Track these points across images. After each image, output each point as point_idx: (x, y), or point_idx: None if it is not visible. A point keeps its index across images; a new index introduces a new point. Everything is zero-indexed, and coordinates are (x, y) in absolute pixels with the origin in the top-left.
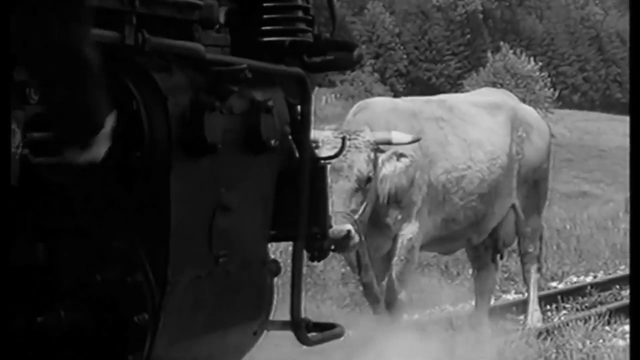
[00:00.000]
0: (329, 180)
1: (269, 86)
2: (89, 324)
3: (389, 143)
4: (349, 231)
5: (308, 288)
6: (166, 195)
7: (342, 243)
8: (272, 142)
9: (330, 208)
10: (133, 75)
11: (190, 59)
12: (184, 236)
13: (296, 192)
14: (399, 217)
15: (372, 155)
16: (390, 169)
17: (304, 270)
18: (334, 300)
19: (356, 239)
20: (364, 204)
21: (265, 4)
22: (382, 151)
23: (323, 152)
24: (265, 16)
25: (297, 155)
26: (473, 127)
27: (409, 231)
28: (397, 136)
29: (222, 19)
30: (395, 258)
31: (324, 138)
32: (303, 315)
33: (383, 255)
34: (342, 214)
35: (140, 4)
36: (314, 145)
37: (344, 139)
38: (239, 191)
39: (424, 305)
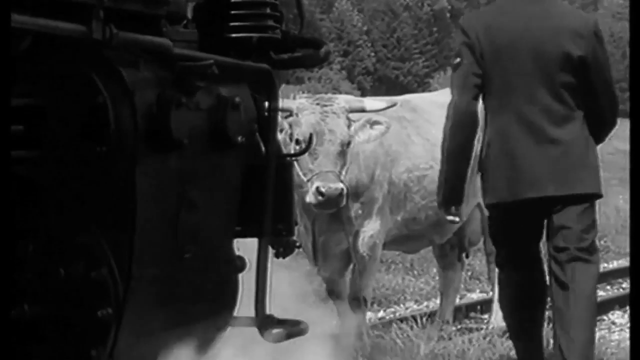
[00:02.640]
0: (313, 143)
1: (235, 82)
2: (53, 319)
3: (362, 110)
4: (342, 189)
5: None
6: (131, 190)
7: (337, 200)
8: (239, 138)
9: (316, 168)
10: (100, 70)
11: (157, 54)
12: (149, 231)
13: (262, 188)
14: (360, 212)
15: (347, 120)
16: (364, 137)
17: (269, 266)
18: (299, 296)
19: (345, 200)
20: (346, 166)
21: (233, 0)
22: (353, 120)
23: (302, 119)
24: (232, 12)
25: (264, 151)
26: (437, 128)
27: (371, 228)
28: (370, 103)
29: (189, 14)
30: (358, 255)
31: (299, 105)
32: (268, 311)
33: (343, 250)
34: (332, 173)
35: None
36: (289, 114)
37: (310, 135)
38: (205, 187)
39: (388, 303)
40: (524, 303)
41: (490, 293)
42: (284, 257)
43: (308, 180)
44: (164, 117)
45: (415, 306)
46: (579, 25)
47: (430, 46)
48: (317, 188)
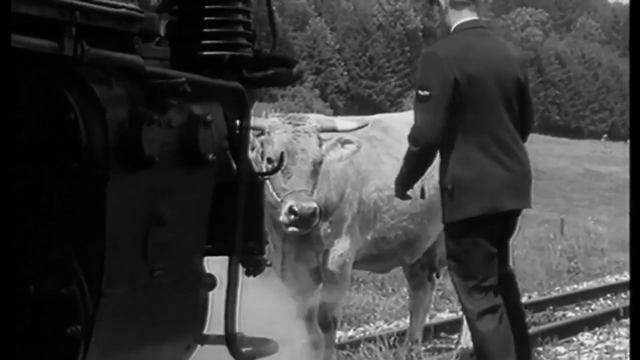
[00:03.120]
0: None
1: (207, 100)
2: (22, 335)
3: (334, 130)
4: (315, 209)
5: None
6: (102, 207)
7: (309, 219)
8: (210, 156)
9: (289, 187)
10: (72, 86)
11: (129, 71)
12: (119, 249)
13: (233, 206)
14: (329, 230)
15: (319, 139)
16: (335, 156)
17: (240, 284)
18: (269, 314)
19: (318, 219)
20: (318, 185)
21: (205, 18)
22: (324, 140)
23: (274, 138)
24: (205, 30)
25: (235, 169)
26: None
27: (340, 247)
28: (342, 123)
29: (162, 32)
30: (327, 274)
31: (270, 124)
32: (237, 329)
33: (312, 269)
34: (305, 192)
35: (81, 14)
36: (261, 132)
37: (282, 154)
38: (176, 205)
39: (358, 322)
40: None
41: (460, 313)
42: (254, 276)
43: (281, 200)
44: (136, 134)
45: (385, 325)
46: (519, 54)
47: (403, 65)
48: (290, 207)
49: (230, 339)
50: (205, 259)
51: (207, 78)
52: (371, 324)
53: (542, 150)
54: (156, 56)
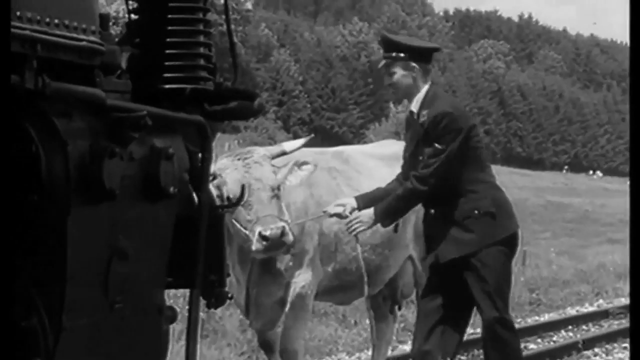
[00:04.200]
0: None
1: (169, 133)
2: None
3: (283, 153)
4: (283, 227)
5: (206, 334)
6: (63, 240)
7: (281, 241)
8: (171, 189)
9: (253, 216)
10: (33, 119)
11: (90, 104)
12: (80, 282)
13: (194, 239)
14: (290, 263)
15: (272, 167)
16: (295, 180)
17: (201, 316)
18: (232, 347)
19: (290, 236)
20: (283, 209)
21: (167, 51)
22: (278, 167)
23: (227, 177)
24: (167, 63)
25: (196, 202)
26: (368, 179)
27: (302, 279)
28: (289, 145)
29: (124, 65)
30: (289, 306)
31: (220, 166)
32: None
33: (275, 302)
34: (270, 216)
35: (42, 47)
36: (214, 177)
37: (243, 186)
38: (137, 237)
39: (320, 354)
40: None
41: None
42: (215, 308)
43: (249, 230)
44: (97, 167)
45: (347, 358)
46: None
47: (366, 97)
48: (260, 233)
49: None
50: (167, 291)
51: (169, 111)
52: (333, 356)
53: (505, 182)
54: (117, 89)
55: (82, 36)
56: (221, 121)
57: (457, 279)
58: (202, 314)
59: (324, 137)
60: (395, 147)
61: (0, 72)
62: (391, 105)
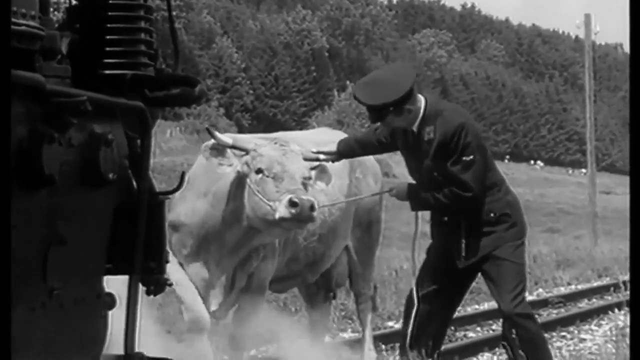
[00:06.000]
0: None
1: (109, 119)
2: None
3: (316, 160)
4: (314, 202)
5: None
6: (2, 226)
7: (308, 214)
8: (111, 175)
9: (283, 188)
10: None
11: (30, 89)
12: (18, 268)
13: (133, 225)
14: (262, 254)
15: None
16: (322, 185)
17: (140, 303)
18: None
19: (317, 215)
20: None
21: (107, 37)
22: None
23: (263, 152)
24: (107, 49)
25: (136, 188)
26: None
27: (266, 268)
28: (324, 159)
29: (64, 50)
30: (250, 295)
31: (256, 142)
32: (137, 349)
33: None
34: (300, 189)
35: None
36: (247, 152)
37: (182, 173)
38: (76, 224)
39: (260, 341)
40: None
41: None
42: (155, 295)
43: (276, 201)
44: (36, 153)
45: (287, 345)
46: None
47: (308, 85)
48: (290, 199)
49: (130, 359)
50: (106, 278)
51: (109, 97)
52: (274, 344)
53: None
54: (57, 74)
55: (21, 20)
56: (162, 107)
57: (464, 280)
58: None
59: (267, 124)
60: (331, 135)
61: None
62: (334, 93)
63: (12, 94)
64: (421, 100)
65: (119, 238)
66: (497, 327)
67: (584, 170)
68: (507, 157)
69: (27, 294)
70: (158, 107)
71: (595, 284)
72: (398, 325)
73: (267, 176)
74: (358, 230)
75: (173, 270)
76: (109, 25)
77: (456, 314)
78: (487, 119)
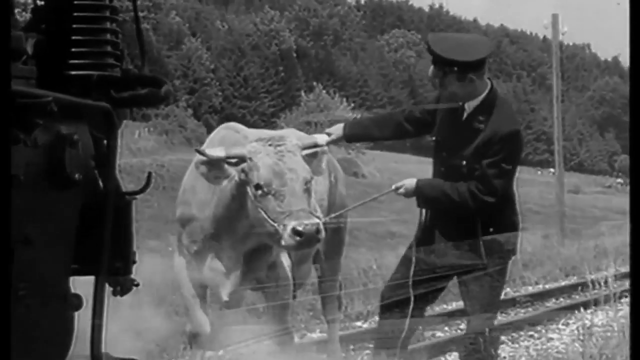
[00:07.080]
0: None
1: (75, 120)
2: None
3: (316, 146)
4: (318, 224)
5: None
6: None
7: (316, 237)
8: (76, 175)
9: (285, 208)
10: None
11: None
12: None
13: (100, 226)
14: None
15: (303, 158)
16: (318, 178)
17: (106, 304)
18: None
19: (324, 233)
20: (312, 206)
21: (73, 37)
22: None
23: (259, 162)
24: (73, 49)
25: (102, 189)
26: None
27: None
28: (321, 138)
29: (29, 50)
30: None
31: (250, 149)
32: (103, 350)
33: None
34: (304, 210)
35: None
36: (243, 160)
37: (149, 174)
38: (41, 225)
39: (226, 341)
40: None
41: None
42: (121, 296)
43: (280, 224)
44: (1, 153)
45: (254, 345)
46: None
47: (277, 85)
48: (294, 228)
49: None
50: (72, 279)
51: (74, 97)
52: (241, 343)
53: (413, 171)
54: (23, 75)
55: None
56: (128, 108)
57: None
58: None
59: None
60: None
61: None
62: (302, 94)
63: None
64: (487, 82)
65: (85, 239)
66: (464, 326)
67: (552, 170)
68: None
69: None
70: (124, 107)
71: (562, 283)
72: (366, 325)
73: (267, 193)
74: (328, 232)
75: (181, 269)
76: (74, 26)
77: (424, 314)
78: None
